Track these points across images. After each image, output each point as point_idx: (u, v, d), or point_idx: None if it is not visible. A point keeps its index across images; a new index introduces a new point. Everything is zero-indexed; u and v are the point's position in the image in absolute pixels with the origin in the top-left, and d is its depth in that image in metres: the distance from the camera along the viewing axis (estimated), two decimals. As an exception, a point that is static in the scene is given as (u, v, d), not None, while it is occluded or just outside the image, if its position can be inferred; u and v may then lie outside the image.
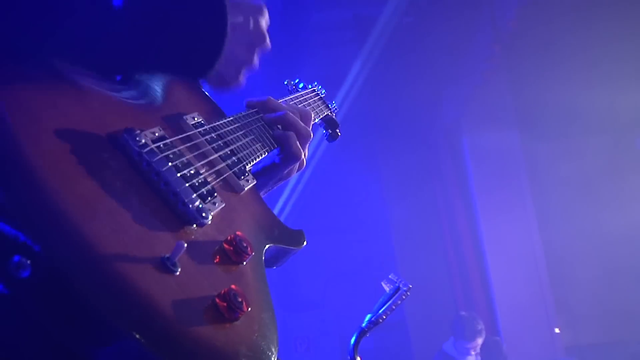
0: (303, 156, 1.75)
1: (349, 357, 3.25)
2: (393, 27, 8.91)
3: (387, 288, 3.39)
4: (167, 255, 1.17)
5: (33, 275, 0.98)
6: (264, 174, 1.79)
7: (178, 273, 1.17)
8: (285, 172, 1.80)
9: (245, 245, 1.36)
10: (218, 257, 1.32)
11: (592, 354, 9.36)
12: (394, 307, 3.31)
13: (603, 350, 9.41)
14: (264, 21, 1.62)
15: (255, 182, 1.63)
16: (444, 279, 10.60)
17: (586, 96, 9.28)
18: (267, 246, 1.53)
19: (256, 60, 1.65)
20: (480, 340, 8.21)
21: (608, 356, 9.33)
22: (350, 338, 3.29)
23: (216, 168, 1.51)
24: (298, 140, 1.78)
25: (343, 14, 9.35)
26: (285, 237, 1.65)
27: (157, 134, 1.37)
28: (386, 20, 8.85)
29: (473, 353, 8.25)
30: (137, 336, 1.01)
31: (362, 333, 3.29)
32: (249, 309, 1.23)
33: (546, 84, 9.37)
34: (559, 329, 9.73)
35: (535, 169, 10.35)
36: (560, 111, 9.72)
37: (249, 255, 1.36)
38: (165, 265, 1.16)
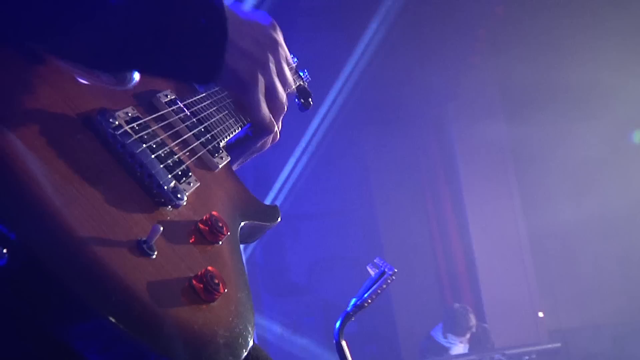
0: (276, 128, 1.72)
1: (334, 341, 3.24)
2: (380, 13, 8.92)
3: (372, 272, 3.37)
4: (144, 238, 1.15)
5: (9, 263, 0.96)
6: (237, 147, 1.76)
7: (154, 256, 1.15)
8: (259, 144, 1.77)
9: (220, 225, 1.34)
10: (193, 237, 1.30)
11: (575, 337, 9.41)
12: (379, 291, 3.28)
13: (586, 334, 9.48)
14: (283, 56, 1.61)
15: (229, 159, 1.62)
16: (430, 264, 10.63)
17: (575, 82, 9.29)
18: (242, 223, 1.51)
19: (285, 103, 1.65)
20: (469, 335, 8.26)
21: (591, 340, 9.40)
22: (336, 322, 3.28)
23: (190, 147, 1.49)
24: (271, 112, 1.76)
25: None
26: (260, 213, 1.63)
27: (130, 114, 1.34)
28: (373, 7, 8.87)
29: (461, 344, 8.31)
30: (114, 320, 0.99)
31: (347, 317, 3.27)
32: (226, 290, 1.22)
33: (534, 69, 9.37)
34: (543, 313, 9.79)
35: (521, 155, 10.37)
36: (548, 97, 9.74)
37: (225, 235, 1.34)
38: (141, 249, 1.14)
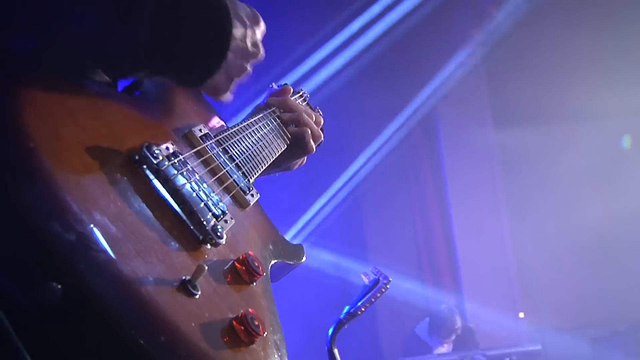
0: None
1: (326, 348, 3.30)
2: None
3: (366, 280, 3.43)
4: (188, 277, 1.19)
5: (63, 300, 1.00)
6: (273, 162, 1.86)
7: (198, 296, 1.19)
8: (292, 163, 1.88)
9: (256, 264, 1.38)
10: (230, 276, 1.33)
11: (554, 338, 9.51)
12: (372, 299, 3.35)
13: (565, 335, 9.57)
14: (260, 32, 1.62)
15: (259, 196, 1.64)
16: (413, 264, 10.65)
17: (565, 88, 9.40)
18: (272, 262, 1.55)
19: (249, 70, 1.64)
20: (454, 336, 8.34)
21: (570, 340, 9.50)
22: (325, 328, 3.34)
23: (225, 184, 1.52)
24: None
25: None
26: (288, 252, 1.66)
27: (170, 149, 1.37)
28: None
29: (445, 345, 8.38)
30: None
31: (339, 324, 3.34)
32: (265, 333, 1.26)
33: (524, 74, 9.45)
34: (524, 314, 9.89)
35: (508, 158, 10.44)
36: (537, 102, 9.81)
37: (261, 275, 1.38)
38: (186, 288, 1.18)
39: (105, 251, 1.07)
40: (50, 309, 1.00)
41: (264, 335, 1.26)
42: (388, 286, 3.40)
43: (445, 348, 8.34)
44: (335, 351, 3.26)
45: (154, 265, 1.16)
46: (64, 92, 1.26)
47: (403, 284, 9.92)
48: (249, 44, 1.53)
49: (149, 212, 1.24)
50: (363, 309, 3.35)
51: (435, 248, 10.65)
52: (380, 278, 3.42)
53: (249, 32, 1.54)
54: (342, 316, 3.32)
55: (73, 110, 1.24)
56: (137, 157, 1.28)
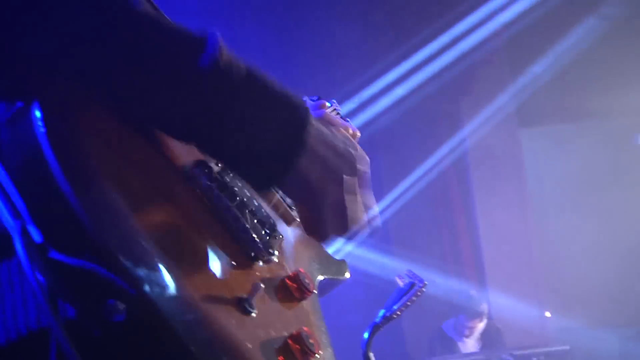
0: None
1: (362, 351, 3.26)
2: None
3: (401, 283, 3.39)
4: (245, 296, 1.18)
5: (127, 319, 0.99)
6: None
7: (254, 314, 1.18)
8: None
9: (307, 281, 1.37)
10: (281, 293, 1.32)
11: (582, 338, 9.44)
12: (408, 303, 3.30)
13: (593, 335, 9.50)
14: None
15: None
16: (438, 264, 10.59)
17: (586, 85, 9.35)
18: (320, 278, 1.54)
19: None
20: (478, 324, 8.27)
21: (598, 340, 9.42)
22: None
23: (273, 201, 1.50)
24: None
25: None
26: (333, 268, 1.65)
27: (220, 165, 1.35)
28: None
29: (468, 334, 8.32)
30: None
31: (375, 328, 3.29)
32: (320, 352, 1.25)
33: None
34: (550, 313, 9.81)
35: (534, 156, 10.36)
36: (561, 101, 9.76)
37: (311, 292, 1.36)
38: (243, 307, 1.17)
39: (167, 269, 1.07)
40: (113, 328, 1.00)
41: (319, 353, 1.25)
42: (424, 289, 3.34)
43: (471, 342, 8.28)
44: (371, 355, 3.22)
45: (212, 283, 1.16)
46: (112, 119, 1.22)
47: (428, 282, 9.83)
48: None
49: (204, 231, 1.24)
50: (399, 313, 3.29)
51: (460, 247, 10.59)
52: (416, 282, 3.36)
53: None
54: (377, 320, 3.27)
55: (124, 132, 1.23)
56: (190, 173, 1.28)
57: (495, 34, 9.25)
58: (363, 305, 8.77)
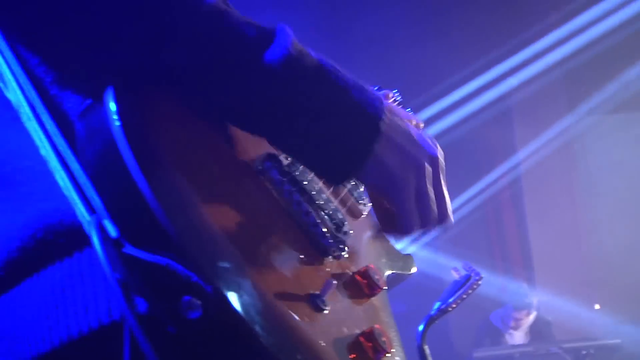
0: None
1: (417, 344, 3.23)
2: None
3: (456, 276, 3.35)
4: (317, 292, 1.17)
5: (203, 316, 0.98)
6: None
7: (327, 311, 1.16)
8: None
9: (377, 277, 1.34)
10: (350, 289, 1.30)
11: (631, 331, 9.28)
12: (464, 296, 3.27)
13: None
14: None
15: (371, 205, 1.57)
16: (485, 255, 10.50)
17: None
18: (387, 273, 1.51)
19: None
20: (525, 315, 8.18)
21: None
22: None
23: (341, 195, 1.48)
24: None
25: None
26: (400, 262, 1.61)
27: (289, 159, 1.33)
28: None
29: (514, 326, 8.23)
30: None
31: (430, 321, 3.27)
32: (393, 350, 1.23)
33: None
34: (599, 306, 9.66)
35: (584, 143, 10.20)
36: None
37: (381, 288, 1.34)
38: (315, 303, 1.15)
39: (242, 265, 1.07)
40: (188, 324, 0.99)
41: (391, 352, 1.23)
42: (480, 283, 3.30)
43: (519, 334, 8.20)
44: (426, 348, 3.19)
45: (285, 279, 1.14)
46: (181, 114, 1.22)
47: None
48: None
49: (275, 226, 1.23)
50: (454, 306, 3.27)
51: (508, 238, 10.49)
52: (472, 274, 3.33)
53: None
54: (433, 312, 3.24)
55: (193, 126, 1.22)
56: (261, 167, 1.27)
57: (555, 66, 9.20)
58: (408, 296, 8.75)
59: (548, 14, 8.78)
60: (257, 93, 1.19)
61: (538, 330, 8.29)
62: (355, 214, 1.51)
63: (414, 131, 1.34)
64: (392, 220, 1.31)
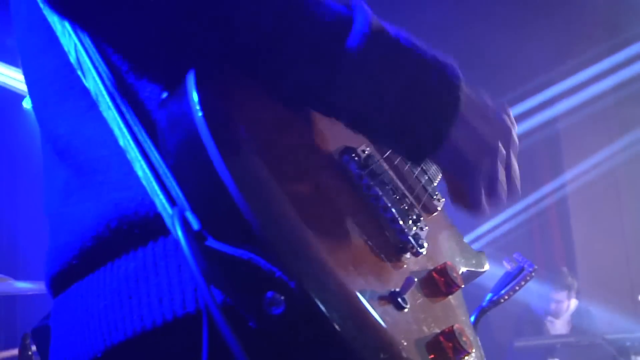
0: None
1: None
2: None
3: (509, 267, 3.33)
4: (397, 289, 1.14)
5: (286, 312, 0.96)
6: None
7: (407, 310, 1.14)
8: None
9: (454, 275, 1.31)
10: (427, 287, 1.27)
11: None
12: (517, 287, 3.24)
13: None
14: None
15: (444, 200, 1.56)
16: (526, 245, 10.40)
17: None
18: (461, 271, 1.48)
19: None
20: (565, 298, 8.05)
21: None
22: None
23: (416, 190, 1.45)
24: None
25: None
26: (473, 260, 1.58)
27: (366, 152, 1.31)
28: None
29: (555, 309, 8.10)
30: None
31: (482, 312, 3.25)
32: (473, 351, 1.20)
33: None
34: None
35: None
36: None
37: (459, 287, 1.31)
38: (396, 301, 1.13)
39: (324, 261, 1.04)
40: (271, 320, 0.97)
41: (472, 352, 1.20)
42: (533, 274, 3.27)
43: (560, 322, 8.10)
44: (477, 339, 3.15)
45: (367, 276, 1.12)
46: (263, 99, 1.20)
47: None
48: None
49: (352, 219, 1.19)
50: (506, 297, 3.24)
51: (549, 228, 10.37)
52: (525, 266, 3.29)
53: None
54: (484, 304, 3.23)
55: (274, 114, 1.20)
56: (339, 160, 1.25)
57: (607, 93, 9.13)
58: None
59: (604, 39, 8.71)
60: (338, 78, 1.16)
61: (580, 321, 8.17)
62: (429, 209, 1.48)
63: (489, 109, 1.33)
64: (462, 195, 1.32)
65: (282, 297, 0.96)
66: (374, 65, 1.17)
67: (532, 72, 8.97)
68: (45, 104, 1.44)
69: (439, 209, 1.50)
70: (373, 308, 1.04)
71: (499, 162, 1.31)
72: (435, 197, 1.51)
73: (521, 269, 3.26)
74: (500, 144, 1.31)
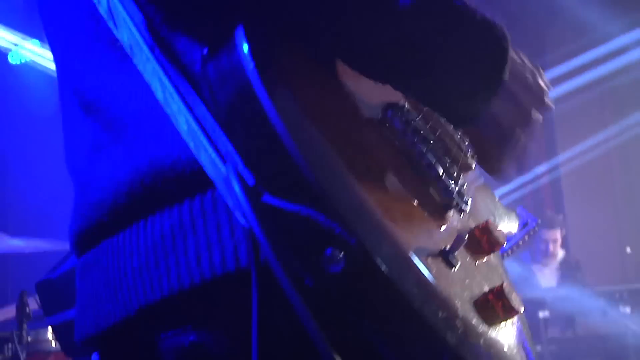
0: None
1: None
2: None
3: (512, 221, 3.31)
4: (447, 248, 1.12)
5: (345, 269, 0.94)
6: None
7: (457, 268, 1.12)
8: None
9: (496, 234, 1.27)
10: (470, 245, 1.24)
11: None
12: (520, 242, 3.22)
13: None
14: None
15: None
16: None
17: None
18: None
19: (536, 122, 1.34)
20: (558, 235, 8.07)
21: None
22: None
23: (453, 147, 1.42)
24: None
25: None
26: (505, 218, 1.59)
27: (406, 108, 1.28)
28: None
29: (544, 249, 8.11)
30: (449, 339, 0.98)
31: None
32: (522, 308, 1.17)
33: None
34: (630, 249, 9.61)
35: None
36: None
37: (501, 245, 1.27)
38: (447, 260, 1.11)
39: (380, 217, 1.02)
40: (329, 278, 0.95)
41: (521, 310, 1.17)
42: (537, 229, 3.25)
43: (549, 271, 8.16)
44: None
45: (419, 234, 1.10)
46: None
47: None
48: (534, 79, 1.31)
49: (399, 176, 1.17)
50: (510, 252, 3.21)
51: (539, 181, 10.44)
52: (529, 220, 3.27)
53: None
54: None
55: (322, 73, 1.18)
56: (383, 116, 1.22)
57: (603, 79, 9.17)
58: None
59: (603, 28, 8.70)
60: (387, 36, 1.13)
61: (568, 270, 8.25)
62: (466, 167, 1.45)
63: (528, 72, 1.31)
64: (489, 159, 1.34)
65: (342, 254, 0.94)
66: (425, 21, 1.14)
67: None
68: (69, 56, 1.39)
69: (473, 167, 1.47)
70: (427, 266, 1.03)
71: (532, 134, 1.31)
72: (469, 154, 1.48)
73: (525, 224, 3.25)
74: (536, 113, 1.31)
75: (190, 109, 1.07)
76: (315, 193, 0.95)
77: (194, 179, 1.13)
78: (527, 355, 1.19)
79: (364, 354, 0.99)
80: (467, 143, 1.47)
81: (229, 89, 1.03)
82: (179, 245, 1.14)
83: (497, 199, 1.56)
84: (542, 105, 1.33)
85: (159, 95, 1.14)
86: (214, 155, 1.03)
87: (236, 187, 0.97)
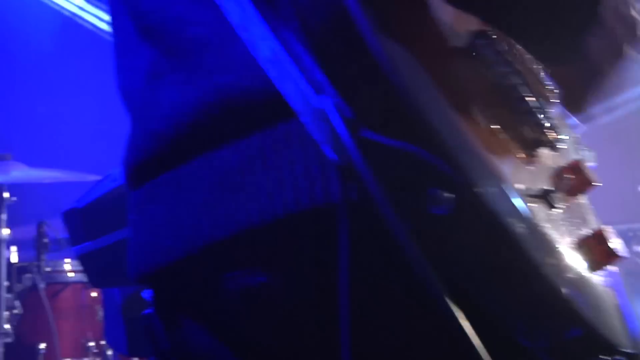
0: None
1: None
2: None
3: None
4: (547, 187, 1.06)
5: (452, 211, 0.88)
6: None
7: (557, 208, 1.06)
8: None
9: (588, 174, 1.20)
10: (564, 186, 1.16)
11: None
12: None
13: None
14: None
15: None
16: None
17: None
18: None
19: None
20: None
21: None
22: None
23: (538, 81, 1.30)
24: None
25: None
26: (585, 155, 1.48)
27: (493, 37, 1.18)
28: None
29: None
30: (557, 284, 0.93)
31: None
32: (620, 254, 1.11)
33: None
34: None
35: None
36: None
37: (592, 185, 1.20)
38: (549, 200, 1.05)
39: (485, 156, 0.97)
40: (431, 220, 0.89)
41: (621, 256, 1.11)
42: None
43: None
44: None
45: (518, 173, 1.04)
46: None
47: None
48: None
49: (492, 110, 1.08)
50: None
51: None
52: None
53: None
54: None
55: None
56: (473, 44, 1.12)
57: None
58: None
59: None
60: None
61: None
62: (550, 104, 1.37)
63: (621, 3, 1.20)
64: (574, 97, 1.26)
65: (448, 195, 0.87)
66: None
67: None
68: None
69: (557, 105, 1.39)
70: (534, 208, 0.97)
71: (621, 69, 1.22)
72: (551, 88, 1.39)
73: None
74: (628, 48, 1.21)
75: (277, 34, 0.98)
76: (421, 129, 0.89)
77: (265, 111, 1.05)
78: (623, 302, 1.13)
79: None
80: (549, 79, 1.38)
81: (325, 15, 0.95)
82: (248, 181, 1.06)
83: (577, 135, 1.48)
84: (634, 38, 1.23)
85: (236, 19, 1.05)
86: (304, 85, 0.95)
87: (333, 120, 0.89)
